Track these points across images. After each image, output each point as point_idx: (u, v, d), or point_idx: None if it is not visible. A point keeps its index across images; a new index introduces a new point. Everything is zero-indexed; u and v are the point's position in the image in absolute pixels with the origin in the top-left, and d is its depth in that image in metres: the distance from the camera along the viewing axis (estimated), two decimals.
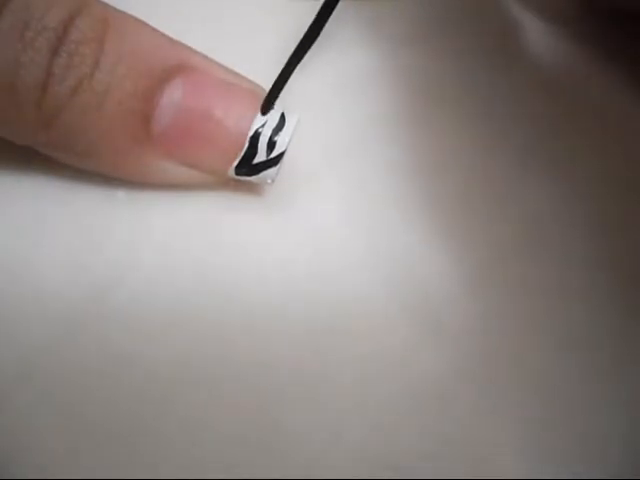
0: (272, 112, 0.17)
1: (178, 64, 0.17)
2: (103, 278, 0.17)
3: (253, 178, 0.17)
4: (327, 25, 0.18)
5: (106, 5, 0.17)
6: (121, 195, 0.18)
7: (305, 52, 0.18)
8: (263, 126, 0.17)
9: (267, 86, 0.18)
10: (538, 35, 0.22)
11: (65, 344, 0.16)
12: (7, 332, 0.16)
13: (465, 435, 0.16)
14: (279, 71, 0.17)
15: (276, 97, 0.17)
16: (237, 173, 0.17)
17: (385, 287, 0.18)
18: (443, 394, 0.17)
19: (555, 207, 0.19)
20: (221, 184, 0.18)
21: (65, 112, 0.16)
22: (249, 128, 0.17)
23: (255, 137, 0.17)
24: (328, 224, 0.19)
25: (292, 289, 0.18)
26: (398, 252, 0.18)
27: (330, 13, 0.17)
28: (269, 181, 0.17)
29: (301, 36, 0.18)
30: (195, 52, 0.17)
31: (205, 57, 0.17)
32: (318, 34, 0.18)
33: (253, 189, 0.18)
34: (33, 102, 0.16)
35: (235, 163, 0.17)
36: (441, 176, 0.19)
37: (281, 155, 0.17)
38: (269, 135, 0.17)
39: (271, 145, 0.17)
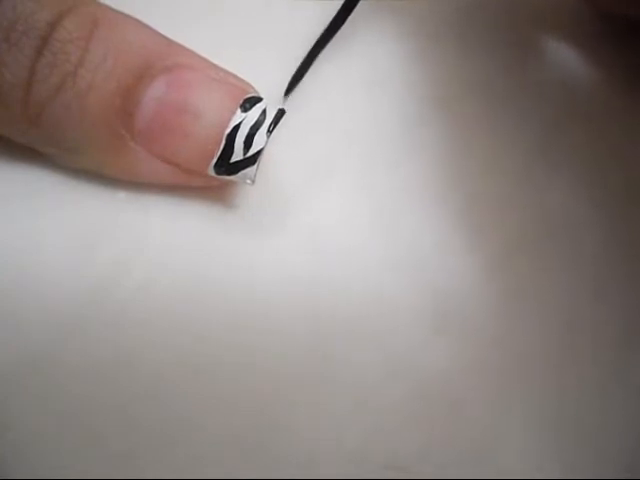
0: (254, 108, 0.16)
1: (163, 62, 0.17)
2: (103, 278, 0.17)
3: (233, 177, 0.17)
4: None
5: (99, 5, 0.17)
6: (122, 196, 0.18)
7: (321, 49, 0.18)
8: (241, 122, 0.16)
9: (267, 84, 0.17)
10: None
11: (64, 344, 0.17)
12: (7, 333, 0.17)
13: (471, 435, 0.16)
14: (278, 69, 0.17)
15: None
16: (216, 172, 0.17)
17: (388, 288, 0.17)
18: (450, 395, 0.17)
19: (565, 203, 0.19)
20: (203, 186, 0.18)
21: (49, 110, 0.16)
22: (227, 125, 0.16)
23: (232, 134, 0.16)
24: (328, 224, 0.18)
25: (292, 289, 0.17)
26: (403, 252, 0.18)
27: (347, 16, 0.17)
28: (248, 181, 0.16)
29: (300, 35, 0.18)
30: (184, 49, 0.17)
31: (194, 54, 0.17)
32: (334, 34, 0.18)
33: (252, 190, 0.18)
34: (18, 101, 0.16)
35: (213, 161, 0.16)
36: (446, 175, 0.19)
37: (258, 154, 0.16)
38: (246, 133, 0.16)
39: (248, 143, 0.16)
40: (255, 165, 0.16)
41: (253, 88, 0.17)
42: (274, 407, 0.16)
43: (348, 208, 0.18)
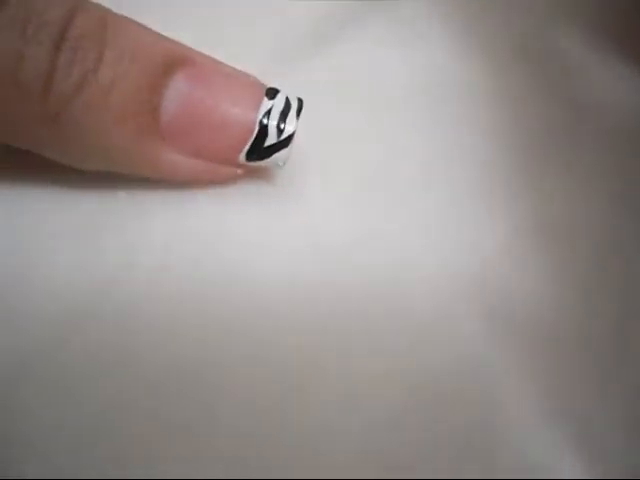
0: (278, 96, 0.17)
1: (180, 56, 0.17)
2: (103, 278, 0.17)
3: (264, 162, 0.17)
4: (334, 21, 0.18)
5: (101, 6, 0.17)
6: (122, 195, 0.18)
7: None
8: (270, 110, 0.17)
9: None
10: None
11: (65, 344, 0.16)
12: (7, 332, 0.16)
13: (472, 434, 0.16)
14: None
15: None
16: (248, 159, 0.17)
17: (388, 287, 0.18)
18: (451, 394, 0.17)
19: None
20: (227, 179, 0.18)
21: (71, 107, 0.16)
22: (258, 113, 0.17)
23: (264, 121, 0.17)
24: (330, 223, 0.18)
25: (293, 289, 0.17)
26: (403, 251, 0.18)
27: None
28: (280, 164, 0.17)
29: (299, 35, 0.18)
30: (193, 49, 0.17)
31: (203, 53, 0.17)
32: None
33: (253, 190, 0.18)
34: (38, 97, 0.15)
35: (246, 149, 0.17)
36: (451, 169, 0.19)
37: (291, 136, 0.17)
38: (277, 117, 0.17)
39: (280, 127, 0.17)
40: (289, 147, 0.17)
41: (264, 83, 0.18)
42: (274, 406, 0.16)
43: (348, 208, 0.19)
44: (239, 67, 0.18)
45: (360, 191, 0.19)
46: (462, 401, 0.16)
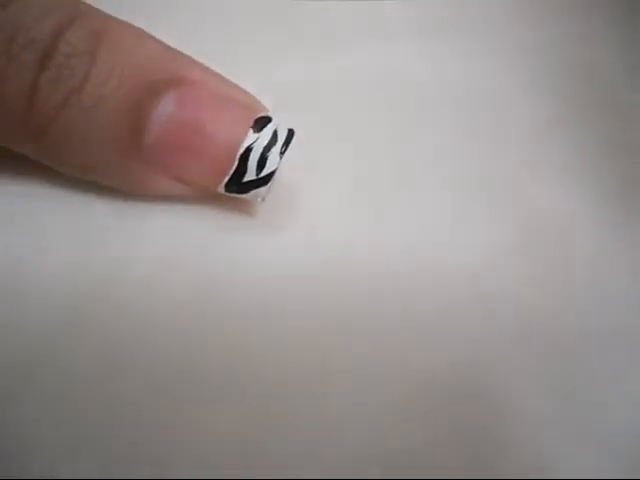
0: (265, 129, 0.16)
1: (172, 77, 0.16)
2: (104, 277, 0.17)
3: (243, 196, 0.17)
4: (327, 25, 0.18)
5: (103, 14, 0.16)
6: (120, 201, 0.18)
7: None
8: (254, 143, 0.16)
9: (265, 85, 0.17)
10: None
11: (65, 343, 0.16)
12: (7, 331, 0.17)
13: (472, 434, 0.16)
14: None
15: None
16: (227, 190, 0.17)
17: (387, 287, 0.18)
18: (450, 394, 0.17)
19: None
20: (216, 198, 0.18)
21: (53, 126, 0.16)
22: (239, 145, 0.16)
23: (245, 155, 0.16)
24: (330, 222, 0.18)
25: (292, 289, 0.17)
26: (403, 252, 0.18)
27: None
28: (259, 200, 0.17)
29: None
30: (194, 63, 0.17)
31: (205, 68, 0.17)
32: None
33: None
34: (20, 115, 0.16)
35: (225, 180, 0.17)
36: (450, 170, 0.19)
37: (272, 174, 0.16)
38: (260, 153, 0.16)
39: (261, 164, 0.16)
40: (268, 185, 0.16)
41: (262, 105, 0.17)
42: (274, 406, 0.16)
43: (348, 208, 0.19)
44: (241, 67, 0.17)
45: (360, 190, 0.19)
46: (462, 402, 0.17)
